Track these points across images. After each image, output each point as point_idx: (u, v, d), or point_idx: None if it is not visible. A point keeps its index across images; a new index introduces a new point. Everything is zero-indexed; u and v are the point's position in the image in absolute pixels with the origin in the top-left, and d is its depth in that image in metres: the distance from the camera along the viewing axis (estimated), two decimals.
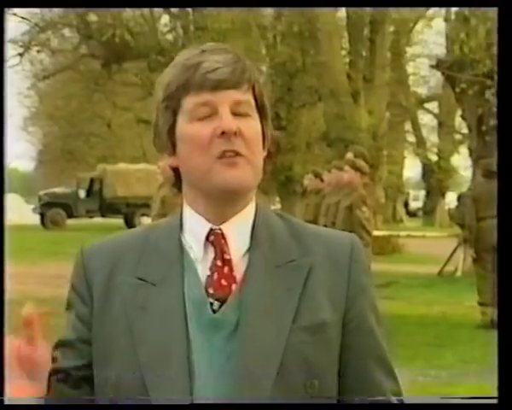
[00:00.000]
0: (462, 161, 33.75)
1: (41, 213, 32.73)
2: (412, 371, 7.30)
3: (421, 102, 33.45)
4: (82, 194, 33.43)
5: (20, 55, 21.93)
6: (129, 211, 31.88)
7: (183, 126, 1.55)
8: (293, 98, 20.90)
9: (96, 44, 21.88)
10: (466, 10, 15.59)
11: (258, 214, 1.60)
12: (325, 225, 8.62)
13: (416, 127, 36.12)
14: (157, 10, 22.64)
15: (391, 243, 20.43)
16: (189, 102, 1.54)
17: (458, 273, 15.37)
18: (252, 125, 1.55)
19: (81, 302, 1.59)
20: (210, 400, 1.49)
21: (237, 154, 1.52)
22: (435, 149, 36.12)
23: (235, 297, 1.53)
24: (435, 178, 35.20)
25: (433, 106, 36.14)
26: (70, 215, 32.65)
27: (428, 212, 36.98)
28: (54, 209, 32.38)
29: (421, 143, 35.94)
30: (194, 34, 20.52)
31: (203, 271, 1.56)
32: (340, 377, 1.57)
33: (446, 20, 20.03)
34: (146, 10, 21.57)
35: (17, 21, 21.66)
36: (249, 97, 1.56)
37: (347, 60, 21.17)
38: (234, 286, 1.54)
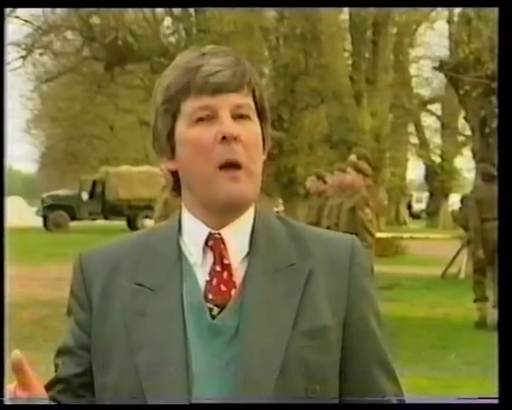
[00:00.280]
0: (465, 163, 33.75)
1: (44, 216, 32.76)
2: (415, 373, 7.29)
3: (424, 103, 33.46)
4: (85, 196, 33.45)
5: (23, 57, 21.95)
6: (131, 213, 31.89)
7: (183, 130, 1.53)
8: (295, 100, 20.88)
9: (98, 47, 21.89)
10: (469, 12, 15.57)
11: (257, 218, 1.59)
12: (328, 227, 8.62)
13: (419, 129, 36.11)
14: (159, 13, 22.65)
15: (394, 245, 20.41)
16: (189, 105, 1.52)
17: (461, 275, 15.35)
18: (252, 129, 1.54)
19: (80, 309, 1.58)
20: (208, 400, 1.48)
21: (238, 165, 1.50)
22: (438, 151, 36.12)
23: (235, 303, 1.52)
24: (438, 179, 35.19)
25: (436, 108, 36.13)
26: (73, 217, 32.67)
27: (431, 214, 36.97)
28: (56, 212, 32.41)
29: (424, 144, 35.94)
30: (196, 36, 20.52)
31: (202, 276, 1.54)
32: (342, 380, 1.55)
33: (449, 21, 20.04)
34: (148, 13, 21.58)
35: (20, 24, 21.68)
36: (249, 101, 1.55)
37: (350, 62, 21.19)
38: (233, 291, 1.52)
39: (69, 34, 24.34)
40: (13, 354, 1.38)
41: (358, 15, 20.27)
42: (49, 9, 20.68)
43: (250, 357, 1.48)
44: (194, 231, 1.57)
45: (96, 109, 36.76)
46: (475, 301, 10.46)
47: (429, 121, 37.28)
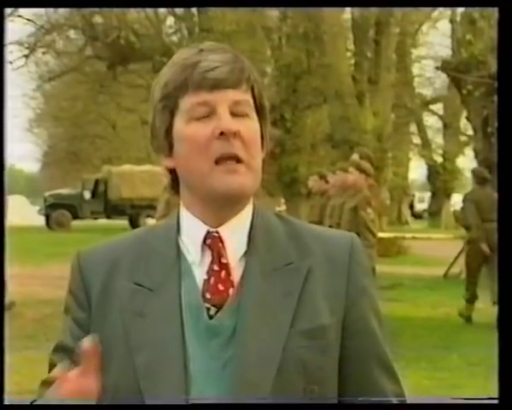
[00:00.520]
0: (467, 163, 33.67)
1: (46, 215, 32.79)
2: (417, 373, 7.28)
3: (426, 103, 33.40)
4: (87, 195, 33.47)
5: (26, 56, 21.94)
6: (134, 212, 31.90)
7: (181, 127, 1.52)
8: (298, 100, 20.88)
9: (101, 46, 21.90)
10: (471, 11, 15.56)
11: (255, 215, 1.58)
12: (330, 227, 8.61)
13: (421, 129, 36.08)
14: (162, 12, 22.65)
15: (396, 245, 20.40)
16: (187, 101, 1.51)
17: (464, 275, 15.34)
18: (251, 126, 1.53)
19: (79, 308, 1.58)
20: (206, 400, 1.47)
21: (237, 158, 1.50)
22: (440, 151, 36.08)
23: (232, 303, 1.51)
24: (440, 179, 35.16)
25: (438, 107, 36.08)
26: (75, 216, 32.69)
27: (434, 213, 36.93)
28: (59, 210, 32.42)
29: (426, 144, 35.90)
30: (199, 36, 20.52)
31: (200, 275, 1.53)
32: (341, 380, 1.54)
33: (452, 21, 20.02)
34: (151, 12, 21.59)
35: (22, 23, 21.69)
36: (248, 97, 1.53)
37: (352, 61, 21.18)
38: (231, 291, 1.52)
39: (72, 33, 24.35)
40: (85, 340, 1.36)
41: (361, 15, 20.26)
42: (51, 9, 20.68)
43: (247, 358, 1.47)
44: (192, 230, 1.56)
45: (99, 109, 36.79)
46: (467, 301, 10.64)
47: (431, 121, 37.25)
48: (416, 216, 45.12)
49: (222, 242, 1.54)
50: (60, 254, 12.55)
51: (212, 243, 1.54)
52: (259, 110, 1.56)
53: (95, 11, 20.63)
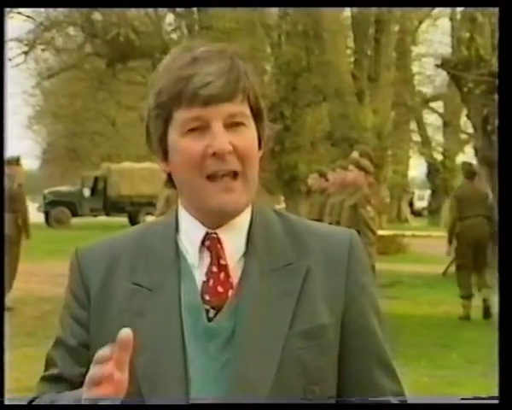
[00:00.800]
0: (467, 161, 33.67)
1: (45, 212, 32.78)
2: (417, 371, 7.28)
3: (426, 101, 33.36)
4: (86, 192, 33.47)
5: (25, 53, 21.90)
6: (133, 210, 31.90)
7: (175, 138, 1.51)
8: (297, 98, 20.85)
9: (100, 43, 21.87)
10: (472, 9, 15.55)
11: (254, 215, 1.57)
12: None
13: (421, 127, 36.06)
14: (162, 9, 22.62)
15: (395, 243, 20.40)
16: (181, 115, 1.49)
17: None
18: (246, 136, 1.51)
19: (78, 306, 1.57)
20: (205, 400, 1.47)
21: (232, 173, 1.49)
22: (440, 149, 36.07)
23: (231, 304, 1.50)
24: (440, 177, 35.15)
25: (438, 105, 36.04)
26: (74, 214, 32.69)
27: (433, 211, 36.92)
28: (58, 208, 32.42)
29: (426, 142, 35.88)
30: (198, 33, 20.50)
31: (199, 276, 1.53)
32: (341, 379, 1.53)
33: (452, 19, 19.99)
34: (151, 9, 21.56)
35: (22, 20, 21.65)
36: (244, 108, 1.51)
37: (352, 59, 21.16)
38: (230, 292, 1.51)
39: (71, 30, 24.30)
40: (124, 331, 1.33)
41: (361, 13, 20.24)
42: None
43: (246, 359, 1.47)
44: (190, 231, 1.55)
45: (98, 106, 36.74)
46: (462, 297, 10.73)
47: (431, 119, 37.22)
48: (416, 214, 45.09)
49: (220, 243, 1.53)
50: (59, 251, 12.53)
51: (211, 245, 1.53)
52: (256, 115, 1.54)
53: (93, 9, 20.61)
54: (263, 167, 1.57)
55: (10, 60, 20.48)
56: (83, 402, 1.34)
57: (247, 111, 1.52)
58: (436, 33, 29.04)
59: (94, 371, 1.33)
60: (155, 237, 1.58)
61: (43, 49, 24.17)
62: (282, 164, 20.35)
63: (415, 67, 30.53)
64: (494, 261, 13.98)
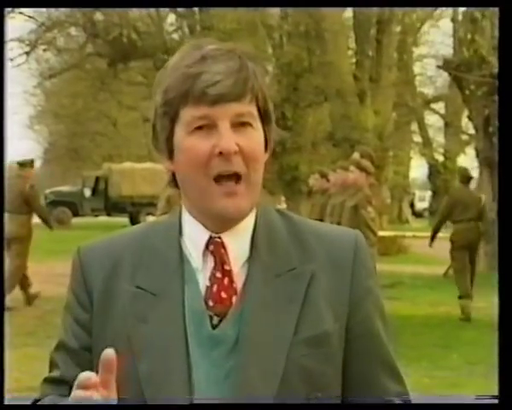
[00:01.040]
0: (468, 162, 33.63)
1: None
2: (417, 372, 7.28)
3: (427, 102, 33.35)
4: (87, 192, 33.47)
5: (27, 53, 21.90)
6: (134, 210, 31.89)
7: (181, 137, 1.49)
8: (299, 98, 20.86)
9: (102, 43, 21.87)
10: (473, 10, 15.54)
11: (258, 217, 1.55)
12: None
13: (423, 128, 36.03)
14: (163, 10, 22.62)
15: (396, 244, 20.38)
16: (188, 113, 1.47)
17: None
18: (253, 137, 1.49)
19: (80, 308, 1.55)
20: (210, 400, 1.46)
21: (236, 176, 1.47)
22: (441, 150, 36.03)
23: (235, 311, 1.49)
24: (441, 178, 35.11)
25: (439, 106, 36.03)
26: (75, 214, 32.68)
27: (434, 212, 36.81)
28: (59, 208, 32.41)
29: (427, 143, 35.85)
30: (200, 34, 20.50)
31: (203, 280, 1.51)
32: (345, 382, 1.52)
33: (453, 20, 19.98)
34: (152, 10, 21.56)
35: (23, 20, 21.66)
36: (251, 108, 1.49)
37: (354, 60, 21.17)
38: (234, 298, 1.49)
39: (73, 30, 24.31)
40: (107, 352, 1.32)
41: (362, 13, 20.24)
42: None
43: (250, 367, 1.45)
44: (194, 234, 1.53)
45: (100, 106, 36.74)
46: (460, 298, 10.79)
47: (433, 120, 37.19)
48: (417, 215, 45.07)
49: (224, 248, 1.51)
50: (60, 251, 12.52)
51: (215, 249, 1.51)
52: (264, 117, 1.52)
53: (94, 9, 20.61)
54: (264, 169, 1.55)
55: (12, 60, 20.49)
56: None
57: (255, 112, 1.50)
58: (438, 34, 29.08)
59: (76, 394, 1.32)
60: (158, 239, 1.55)
61: (44, 49, 24.18)
62: (284, 164, 20.36)
63: (416, 68, 30.54)
64: (481, 266, 14.17)
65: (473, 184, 11.36)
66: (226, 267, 1.51)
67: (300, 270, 1.52)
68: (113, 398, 1.34)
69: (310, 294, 1.50)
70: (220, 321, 1.49)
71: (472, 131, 21.28)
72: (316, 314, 1.49)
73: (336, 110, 19.46)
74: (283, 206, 21.54)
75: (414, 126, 36.09)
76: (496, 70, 13.84)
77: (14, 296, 11.22)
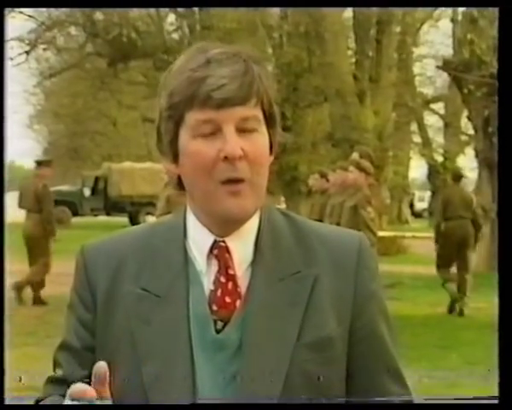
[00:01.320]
0: (467, 162, 33.63)
1: None
2: (417, 372, 7.28)
3: (427, 102, 33.35)
4: (87, 192, 33.47)
5: (27, 53, 21.90)
6: (134, 210, 31.89)
7: (186, 141, 1.49)
8: (298, 98, 20.86)
9: (102, 43, 21.87)
10: (473, 11, 15.54)
11: (262, 220, 1.55)
12: None
13: (422, 128, 36.05)
14: (163, 9, 22.63)
15: (396, 244, 20.39)
16: (192, 117, 1.47)
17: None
18: (258, 142, 1.49)
19: (84, 308, 1.55)
20: (212, 400, 1.46)
21: (241, 180, 1.47)
22: (441, 150, 36.00)
23: (239, 315, 1.49)
24: (441, 179, 35.08)
25: (439, 107, 36.06)
26: (75, 213, 32.67)
27: (434, 213, 36.88)
28: (59, 207, 32.28)
29: (426, 143, 35.85)
30: (200, 33, 20.50)
31: (207, 284, 1.51)
32: (349, 385, 1.52)
33: (453, 20, 19.99)
34: (152, 9, 21.56)
35: (23, 20, 21.67)
36: (257, 112, 1.49)
37: (353, 60, 21.16)
38: (238, 303, 1.49)
39: (73, 30, 24.31)
40: (99, 365, 1.33)
41: (362, 14, 20.23)
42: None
43: (253, 371, 1.45)
44: (198, 237, 1.53)
45: (99, 105, 36.73)
46: (443, 285, 11.37)
47: (432, 120, 37.21)
48: (416, 215, 45.07)
49: (229, 252, 1.51)
50: (60, 250, 12.55)
51: (219, 254, 1.51)
52: (268, 120, 1.52)
53: (94, 9, 20.61)
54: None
55: (12, 59, 20.49)
56: None
57: (260, 116, 1.50)
58: (437, 35, 29.07)
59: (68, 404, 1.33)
60: (162, 240, 1.55)
61: (44, 49, 24.18)
62: (283, 164, 20.35)
63: (416, 69, 30.53)
64: (481, 266, 14.21)
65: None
66: (230, 272, 1.50)
67: (304, 273, 1.51)
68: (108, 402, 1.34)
69: (313, 298, 1.50)
70: (224, 326, 1.49)
71: (471, 131, 21.29)
72: (319, 318, 1.49)
73: (336, 110, 19.45)
74: (283, 206, 21.54)
75: (413, 127, 36.10)
76: (495, 71, 13.85)
77: (13, 296, 11.24)
